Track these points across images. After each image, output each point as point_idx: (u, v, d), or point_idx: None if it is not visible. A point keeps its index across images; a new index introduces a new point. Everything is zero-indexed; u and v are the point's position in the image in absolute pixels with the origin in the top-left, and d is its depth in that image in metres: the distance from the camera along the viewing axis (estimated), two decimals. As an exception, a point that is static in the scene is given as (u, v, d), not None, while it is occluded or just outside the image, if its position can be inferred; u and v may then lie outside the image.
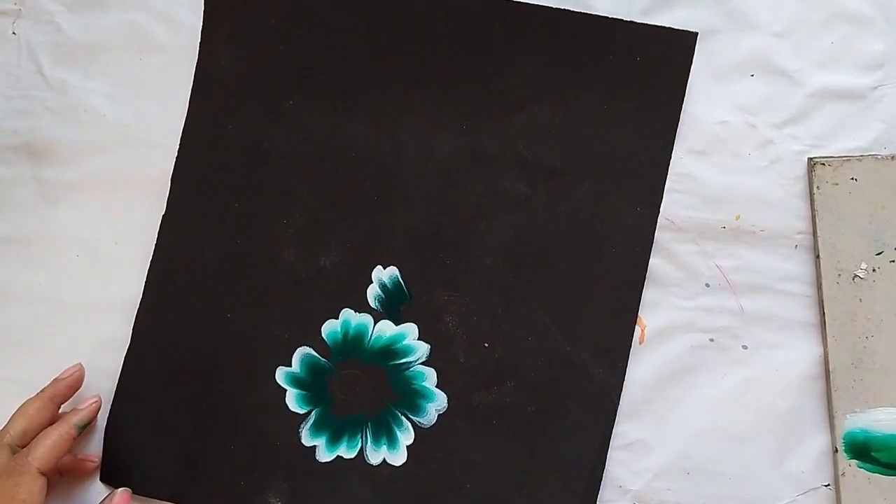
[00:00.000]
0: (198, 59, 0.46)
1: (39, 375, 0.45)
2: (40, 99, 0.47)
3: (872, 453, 0.40)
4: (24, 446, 0.40)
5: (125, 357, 0.45)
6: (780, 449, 0.42)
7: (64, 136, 0.47)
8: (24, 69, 0.47)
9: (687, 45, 0.43)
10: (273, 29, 0.46)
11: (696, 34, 0.43)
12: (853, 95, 0.43)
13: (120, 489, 0.42)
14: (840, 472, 0.41)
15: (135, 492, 0.43)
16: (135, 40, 0.47)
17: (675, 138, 0.43)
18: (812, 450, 0.42)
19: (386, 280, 0.44)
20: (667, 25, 0.43)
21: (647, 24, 0.43)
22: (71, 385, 0.43)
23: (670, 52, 0.43)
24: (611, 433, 0.42)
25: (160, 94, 0.47)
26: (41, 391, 0.43)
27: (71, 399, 0.44)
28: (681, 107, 0.43)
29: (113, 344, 0.45)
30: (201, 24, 0.46)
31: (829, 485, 0.41)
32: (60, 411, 0.43)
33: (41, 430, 0.41)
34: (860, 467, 0.40)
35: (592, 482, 0.42)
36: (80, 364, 0.44)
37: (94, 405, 0.43)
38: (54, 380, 0.43)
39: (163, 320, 0.45)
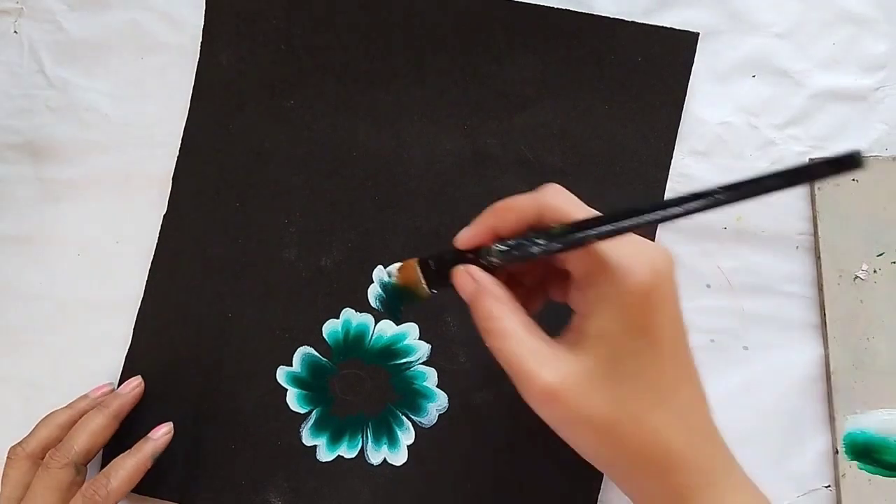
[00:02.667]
0: (199, 58, 0.46)
1: (40, 374, 0.46)
2: (42, 98, 0.47)
3: (873, 455, 0.40)
4: (86, 463, 0.40)
5: (126, 356, 0.45)
6: (780, 450, 0.42)
7: (65, 135, 0.47)
8: (25, 68, 0.47)
9: (688, 46, 0.43)
10: (275, 28, 0.46)
11: (698, 35, 0.43)
12: (855, 97, 0.43)
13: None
14: (841, 474, 0.41)
15: (135, 491, 0.43)
16: (136, 39, 0.47)
17: (676, 139, 0.43)
18: (813, 451, 0.42)
19: (387, 280, 0.44)
20: (668, 26, 0.43)
21: (648, 25, 0.43)
22: (133, 401, 0.43)
23: (672, 52, 0.43)
24: (611, 434, 0.42)
25: (162, 94, 0.47)
26: (104, 406, 0.42)
27: (90, 397, 0.44)
28: (682, 107, 0.43)
29: (114, 343, 0.45)
30: (203, 15, 0.46)
31: (829, 486, 0.41)
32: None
33: (102, 447, 0.41)
34: (861, 468, 0.40)
35: (593, 483, 0.42)
36: (140, 377, 0.44)
37: (167, 437, 0.42)
38: (116, 394, 0.43)
39: (164, 319, 0.45)
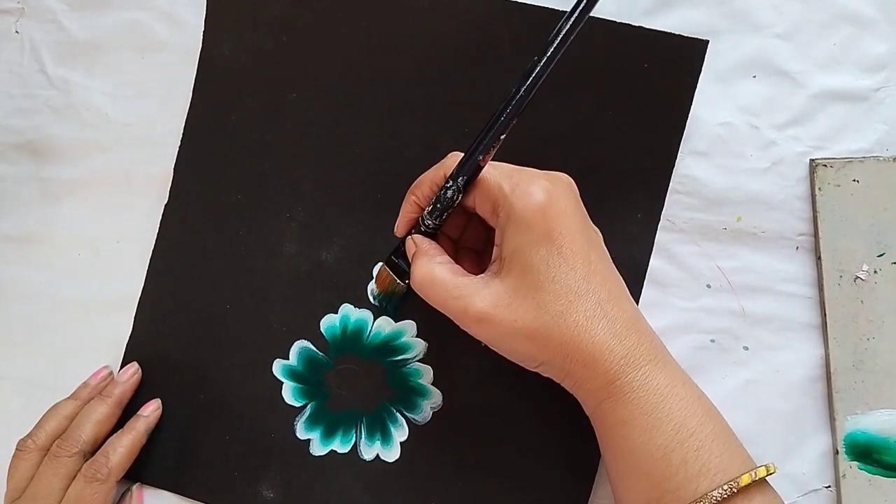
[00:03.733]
0: (201, 50, 0.46)
1: (40, 374, 0.46)
2: (43, 97, 0.47)
3: (873, 455, 0.40)
4: (93, 452, 0.41)
5: (126, 346, 0.45)
6: (781, 450, 0.42)
7: (66, 135, 0.47)
8: (26, 68, 0.48)
9: (697, 54, 0.42)
10: (277, 20, 0.46)
11: (707, 42, 0.42)
12: (855, 97, 0.43)
13: (135, 485, 0.43)
14: (841, 474, 0.40)
15: (128, 478, 0.43)
16: (137, 39, 0.47)
17: (679, 146, 0.43)
18: (813, 451, 0.41)
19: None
20: (673, 31, 0.42)
21: (656, 30, 0.42)
22: (132, 387, 0.44)
23: (679, 59, 0.42)
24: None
25: (162, 93, 0.47)
26: (106, 395, 0.43)
27: (90, 385, 0.44)
28: (687, 116, 0.42)
29: (114, 343, 0.45)
30: (204, 14, 0.46)
31: (829, 486, 0.41)
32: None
33: (107, 435, 0.42)
34: (861, 469, 0.40)
35: (585, 482, 0.41)
36: (136, 363, 0.44)
37: (157, 412, 0.43)
38: (115, 383, 0.43)
39: (163, 310, 0.45)
